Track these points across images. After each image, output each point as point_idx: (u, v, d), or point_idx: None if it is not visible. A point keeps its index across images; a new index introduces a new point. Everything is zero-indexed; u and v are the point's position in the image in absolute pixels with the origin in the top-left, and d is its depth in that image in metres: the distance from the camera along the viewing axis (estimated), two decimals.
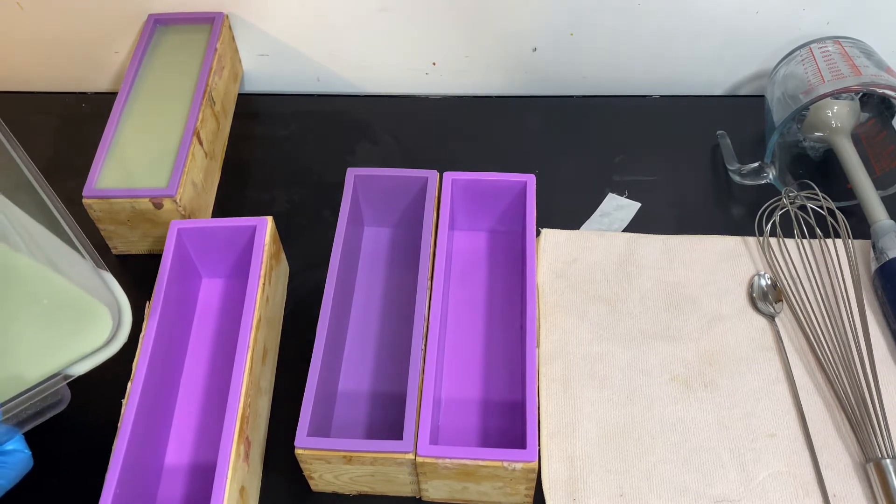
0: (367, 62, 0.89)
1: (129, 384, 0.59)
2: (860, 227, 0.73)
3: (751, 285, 0.71)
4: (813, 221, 0.72)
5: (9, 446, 0.51)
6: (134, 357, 0.60)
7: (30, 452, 0.52)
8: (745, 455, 0.63)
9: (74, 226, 0.55)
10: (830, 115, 0.76)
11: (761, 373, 0.67)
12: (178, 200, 0.70)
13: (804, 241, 0.73)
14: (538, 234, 0.75)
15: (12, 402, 0.50)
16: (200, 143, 0.76)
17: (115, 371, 0.60)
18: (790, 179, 0.77)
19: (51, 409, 0.52)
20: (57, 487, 0.63)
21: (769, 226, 0.73)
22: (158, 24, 0.85)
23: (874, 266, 0.70)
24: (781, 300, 0.70)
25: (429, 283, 0.64)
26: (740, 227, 0.76)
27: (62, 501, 0.62)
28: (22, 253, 0.53)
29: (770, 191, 0.76)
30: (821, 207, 0.72)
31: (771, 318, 0.70)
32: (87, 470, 0.60)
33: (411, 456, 0.56)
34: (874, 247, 0.70)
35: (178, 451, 0.63)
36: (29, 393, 0.50)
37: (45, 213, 0.55)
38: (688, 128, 0.85)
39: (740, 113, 0.86)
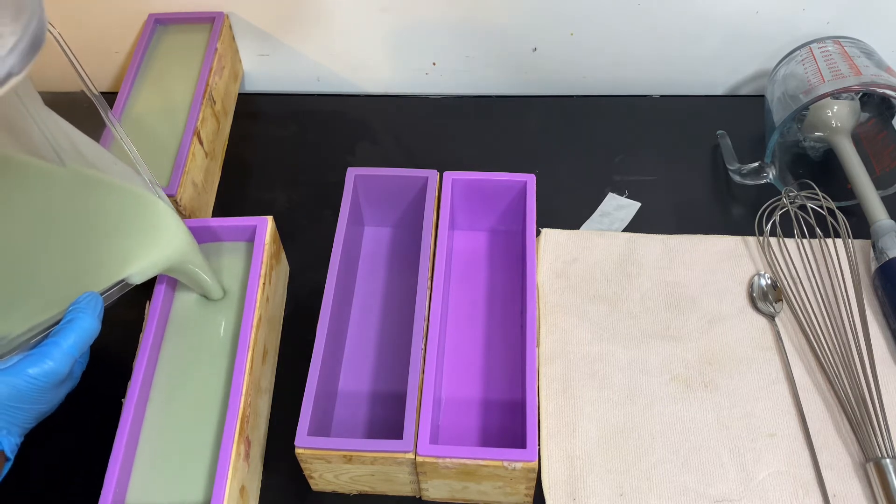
0: (367, 62, 0.89)
1: (130, 383, 0.59)
2: (860, 227, 0.73)
3: (751, 285, 0.71)
4: (813, 221, 0.72)
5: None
6: (134, 356, 0.60)
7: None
8: (745, 455, 0.63)
9: (130, 145, 0.58)
10: (830, 114, 0.76)
11: (761, 373, 0.67)
12: (178, 200, 0.70)
13: (804, 240, 0.73)
14: (538, 233, 0.75)
15: (107, 293, 0.56)
16: (200, 143, 0.76)
17: (116, 370, 0.60)
18: (790, 179, 0.78)
19: (115, 295, 0.57)
20: (57, 487, 0.63)
21: (769, 226, 0.73)
22: (158, 24, 0.85)
23: (874, 266, 0.70)
24: (781, 300, 0.70)
25: (429, 283, 0.64)
26: (740, 227, 0.76)
27: (62, 501, 0.62)
28: (56, 163, 0.56)
29: (770, 191, 0.76)
30: (821, 207, 0.72)
31: (771, 318, 0.70)
32: (87, 470, 0.60)
33: (411, 455, 0.56)
34: (874, 247, 0.70)
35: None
36: (118, 286, 0.57)
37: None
38: (688, 128, 0.85)
39: (740, 113, 0.86)
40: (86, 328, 0.53)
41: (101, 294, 0.55)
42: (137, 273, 0.57)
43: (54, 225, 0.57)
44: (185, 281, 0.63)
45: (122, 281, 0.57)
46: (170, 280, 0.65)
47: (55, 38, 0.56)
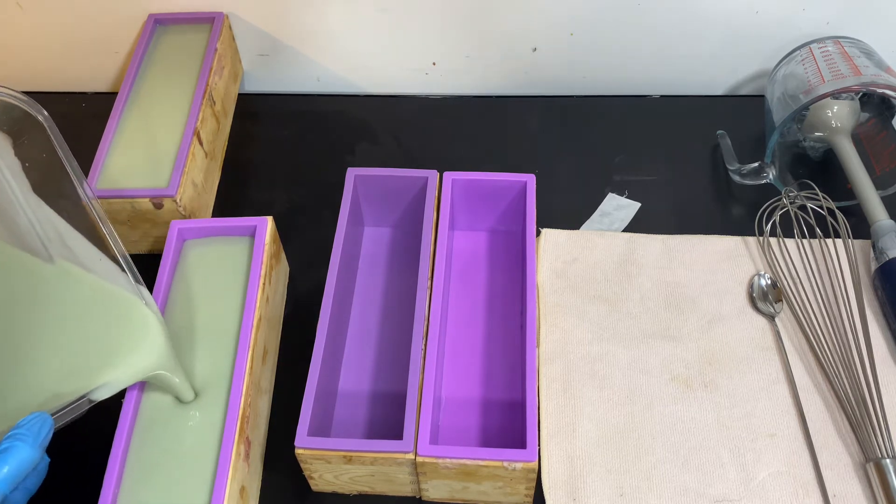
0: (367, 62, 0.89)
1: None
2: (860, 227, 0.73)
3: (751, 285, 0.71)
4: (813, 221, 0.72)
5: None
6: None
7: (49, 459, 0.53)
8: (745, 455, 0.63)
9: (115, 238, 0.55)
10: (830, 115, 0.76)
11: (761, 373, 0.67)
12: (178, 200, 0.70)
13: (804, 241, 0.73)
14: (538, 233, 0.75)
15: (62, 412, 0.51)
16: (200, 143, 0.76)
17: None
18: (790, 179, 0.78)
19: (71, 415, 0.53)
20: (56, 488, 0.62)
21: (769, 226, 0.73)
22: (158, 24, 0.85)
23: (874, 266, 0.70)
24: (781, 300, 0.70)
25: (429, 283, 0.64)
26: (740, 227, 0.76)
27: (61, 501, 0.62)
28: (42, 256, 0.53)
29: (770, 191, 0.76)
30: (821, 207, 0.72)
31: (771, 318, 0.70)
32: (87, 470, 0.59)
33: (411, 456, 0.56)
34: (874, 247, 0.70)
35: None
36: (77, 403, 0.52)
37: (83, 219, 0.56)
38: (688, 128, 0.85)
39: (740, 113, 0.86)
40: (22, 460, 0.46)
41: (55, 413, 0.50)
42: (107, 385, 0.53)
43: (26, 325, 0.53)
44: (156, 383, 0.58)
45: (85, 396, 0.52)
46: (169, 280, 0.65)
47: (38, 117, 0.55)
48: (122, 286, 0.55)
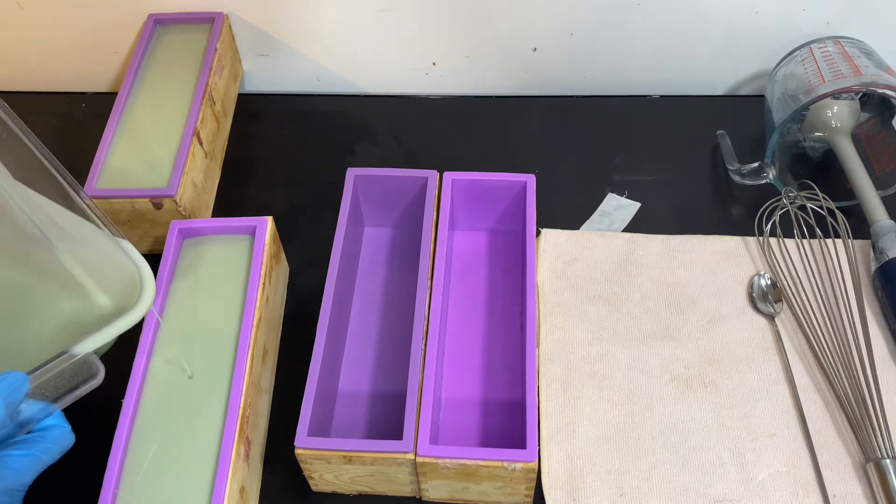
0: (367, 62, 0.89)
1: (129, 383, 0.59)
2: (860, 227, 0.73)
3: (751, 285, 0.71)
4: (813, 221, 0.72)
5: (48, 422, 0.52)
6: (134, 356, 0.60)
7: (69, 427, 0.52)
8: (745, 455, 0.63)
9: (87, 198, 0.56)
10: (830, 115, 0.76)
11: (761, 373, 0.67)
12: (178, 200, 0.70)
13: (804, 241, 0.73)
14: (538, 234, 0.75)
15: (41, 370, 0.50)
16: (200, 143, 0.76)
17: (116, 370, 0.60)
18: (790, 179, 0.78)
19: (85, 382, 0.53)
20: (56, 487, 0.62)
21: (769, 226, 0.73)
22: (158, 24, 0.85)
23: (874, 266, 0.70)
24: (781, 300, 0.70)
25: (429, 283, 0.64)
26: (740, 227, 0.76)
27: (61, 501, 0.62)
28: (41, 243, 0.53)
29: (770, 191, 0.77)
30: (821, 207, 0.72)
31: (771, 318, 0.70)
32: (87, 470, 0.59)
33: (411, 456, 0.56)
34: (874, 247, 0.70)
35: None
36: (57, 360, 0.51)
37: (59, 191, 0.56)
38: (688, 128, 0.85)
39: (740, 113, 0.86)
40: None
41: (33, 371, 0.49)
42: (90, 339, 0.52)
43: (15, 298, 0.53)
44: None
45: (67, 352, 0.51)
46: (169, 280, 0.65)
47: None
48: (105, 245, 0.55)
